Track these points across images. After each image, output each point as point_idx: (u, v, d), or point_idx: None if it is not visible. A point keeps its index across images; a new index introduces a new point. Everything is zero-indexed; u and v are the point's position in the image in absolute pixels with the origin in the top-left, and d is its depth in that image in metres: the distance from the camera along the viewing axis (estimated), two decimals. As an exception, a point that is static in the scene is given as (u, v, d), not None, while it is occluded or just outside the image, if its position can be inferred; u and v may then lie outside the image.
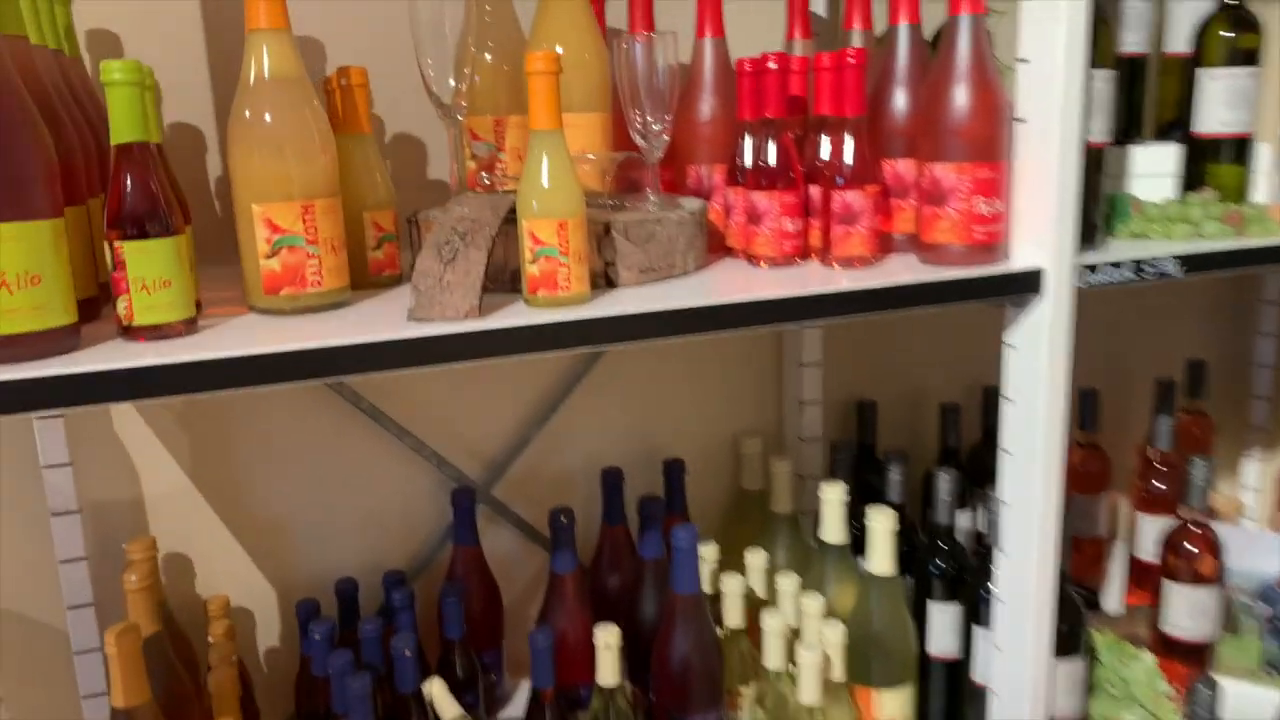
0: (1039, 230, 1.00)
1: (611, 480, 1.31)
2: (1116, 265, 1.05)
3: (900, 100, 1.08)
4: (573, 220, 0.87)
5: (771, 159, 1.03)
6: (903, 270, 1.02)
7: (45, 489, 1.13)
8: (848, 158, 1.02)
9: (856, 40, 1.17)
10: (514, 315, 0.87)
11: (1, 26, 0.83)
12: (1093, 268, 1.04)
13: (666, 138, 1.03)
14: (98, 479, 1.19)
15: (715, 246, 1.14)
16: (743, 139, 1.08)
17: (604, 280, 0.97)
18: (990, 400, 1.49)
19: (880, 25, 1.19)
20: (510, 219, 0.91)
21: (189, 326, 0.83)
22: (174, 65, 1.13)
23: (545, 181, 0.87)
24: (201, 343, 0.81)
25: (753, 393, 1.50)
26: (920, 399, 1.57)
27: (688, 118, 1.15)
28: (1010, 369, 1.07)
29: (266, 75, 0.86)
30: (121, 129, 0.79)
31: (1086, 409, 1.47)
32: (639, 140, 1.03)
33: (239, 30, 0.89)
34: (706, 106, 1.15)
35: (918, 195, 1.04)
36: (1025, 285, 1.01)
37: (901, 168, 1.09)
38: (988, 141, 0.98)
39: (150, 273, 0.80)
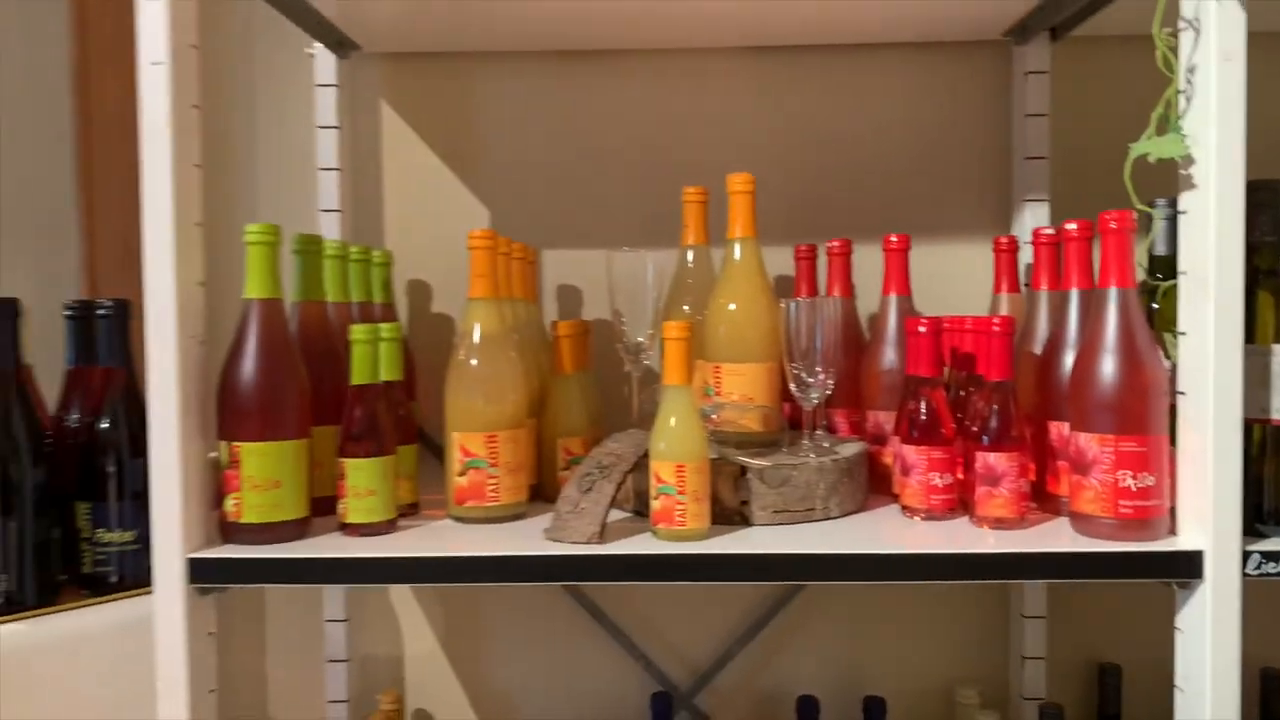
0: (1200, 511, 0.94)
1: (807, 710, 1.34)
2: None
3: (1064, 365, 1.08)
4: (691, 464, 0.99)
5: (923, 414, 1.08)
6: (1051, 537, 1.01)
7: (324, 640, 1.41)
8: (992, 420, 1.04)
9: (1043, 301, 1.18)
10: (633, 544, 1.00)
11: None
12: (1269, 555, 0.94)
13: (821, 390, 1.12)
14: (368, 635, 1.46)
15: (884, 490, 1.18)
16: (905, 393, 1.13)
17: (739, 518, 1.07)
18: (1270, 682, 1.32)
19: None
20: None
21: (390, 526, 1.06)
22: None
23: (670, 428, 1.01)
24: (390, 542, 1.03)
25: (975, 640, 1.45)
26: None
27: (871, 366, 1.23)
28: (1179, 655, 0.98)
29: (476, 333, 1.10)
30: (355, 373, 1.06)
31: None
32: (794, 389, 1.12)
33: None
34: (887, 358, 1.22)
35: (1067, 462, 1.03)
36: (1181, 568, 0.94)
37: (1066, 431, 1.07)
38: (1134, 414, 0.96)
39: (361, 483, 1.04)
